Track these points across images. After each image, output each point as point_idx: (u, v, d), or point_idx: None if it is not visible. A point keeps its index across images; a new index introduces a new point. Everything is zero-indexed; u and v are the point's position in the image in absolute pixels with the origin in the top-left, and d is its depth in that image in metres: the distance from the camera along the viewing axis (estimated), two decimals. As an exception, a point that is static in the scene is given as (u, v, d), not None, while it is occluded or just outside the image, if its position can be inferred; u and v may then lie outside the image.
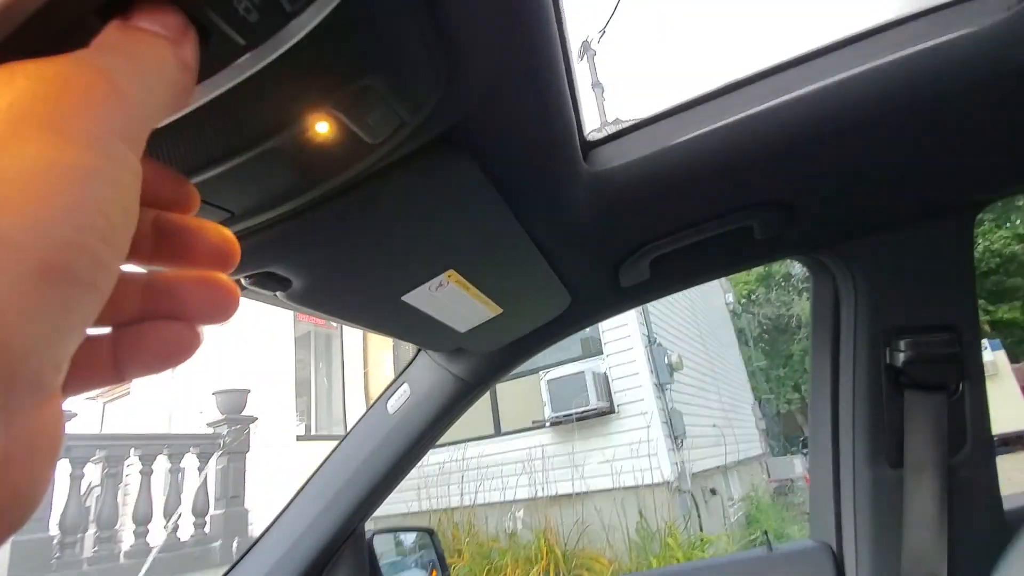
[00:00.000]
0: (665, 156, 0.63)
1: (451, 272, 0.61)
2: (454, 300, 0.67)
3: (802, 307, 18.11)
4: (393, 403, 0.99)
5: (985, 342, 6.88)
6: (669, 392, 5.86)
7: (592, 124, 6.29)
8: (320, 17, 0.26)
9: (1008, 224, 17.31)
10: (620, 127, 0.66)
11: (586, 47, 8.87)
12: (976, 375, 0.82)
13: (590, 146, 0.64)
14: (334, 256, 0.51)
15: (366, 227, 0.47)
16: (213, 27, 0.23)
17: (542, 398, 5.83)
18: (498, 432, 6.36)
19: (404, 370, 1.01)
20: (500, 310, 0.74)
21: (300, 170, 0.37)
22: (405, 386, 0.99)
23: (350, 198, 0.43)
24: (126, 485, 5.39)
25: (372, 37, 0.29)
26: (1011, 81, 0.55)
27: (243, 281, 0.50)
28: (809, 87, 0.57)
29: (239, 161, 0.33)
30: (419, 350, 0.98)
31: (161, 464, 4.93)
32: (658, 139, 0.64)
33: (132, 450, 4.82)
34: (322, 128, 0.33)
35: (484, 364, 0.95)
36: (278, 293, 0.53)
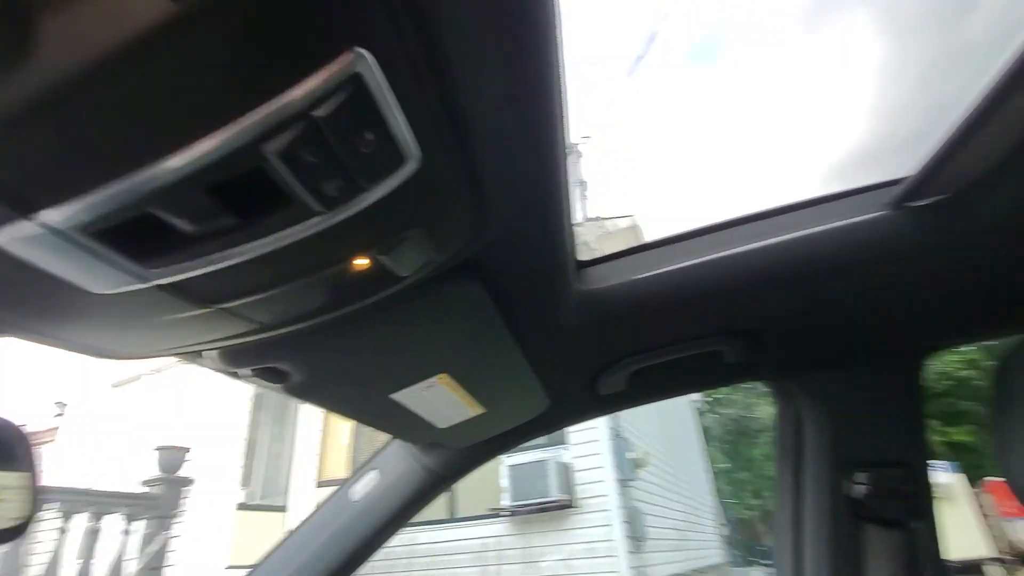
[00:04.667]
0: (649, 282, 0.70)
1: (443, 375, 0.63)
2: (440, 399, 0.69)
3: (764, 411, 18.25)
4: (359, 488, 0.97)
5: (946, 465, 6.95)
6: (632, 489, 5.72)
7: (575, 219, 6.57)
8: (387, 191, 0.31)
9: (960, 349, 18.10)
10: (610, 252, 0.74)
11: (571, 148, 9.41)
12: (927, 511, 0.85)
13: (582, 266, 0.70)
14: (337, 359, 0.53)
15: (375, 338, 0.51)
16: (295, 195, 0.28)
17: (501, 484, 5.63)
18: (453, 518, 6.05)
19: (374, 456, 1.00)
20: (483, 410, 0.76)
21: (332, 295, 0.40)
22: (374, 472, 0.98)
23: (364, 313, 0.46)
24: (37, 543, 4.87)
25: (424, 202, 0.34)
26: (897, 265, 0.68)
27: (244, 371, 0.52)
28: (771, 239, 0.67)
29: (281, 290, 0.36)
30: (392, 438, 0.98)
31: (80, 523, 4.50)
32: (644, 266, 0.71)
33: (51, 504, 4.40)
34: (361, 263, 0.37)
35: (457, 457, 0.95)
36: (276, 384, 0.54)
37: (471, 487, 5.98)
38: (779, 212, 0.71)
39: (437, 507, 6.05)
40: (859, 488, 0.84)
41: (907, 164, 0.64)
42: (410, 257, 0.38)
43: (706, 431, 15.17)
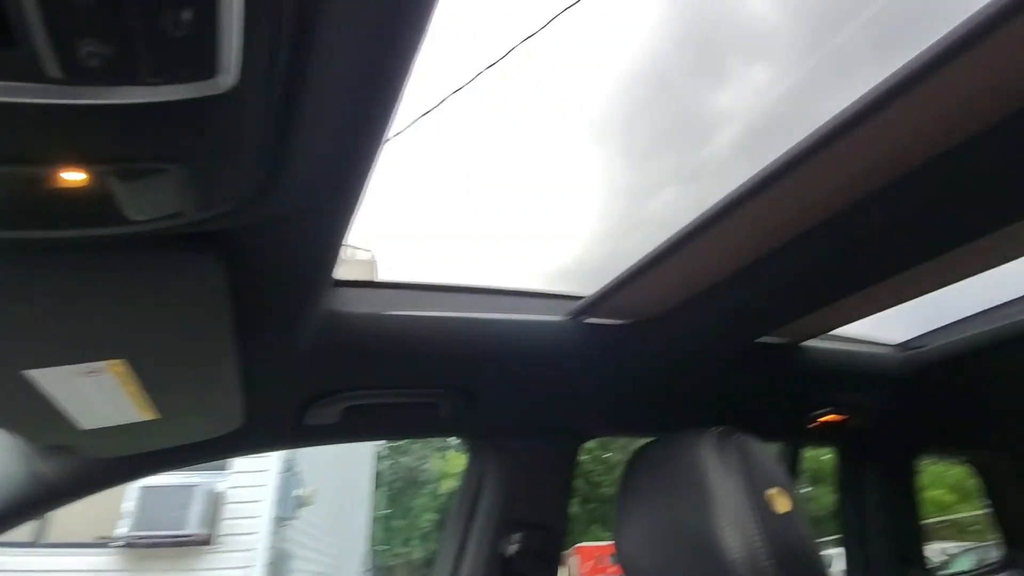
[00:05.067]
0: (397, 321, 0.71)
1: (118, 362, 0.49)
2: (100, 392, 0.53)
3: (434, 465, 19.44)
4: None
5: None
6: (287, 529, 5.29)
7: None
8: (170, 98, 0.23)
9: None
10: (373, 280, 0.74)
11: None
12: (555, 571, 1.01)
13: (339, 284, 0.67)
14: None
15: (45, 284, 0.37)
16: (25, 36, 0.19)
17: (123, 508, 4.53)
18: (38, 542, 4.53)
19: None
20: (155, 416, 0.62)
21: (12, 205, 0.28)
22: None
23: (45, 246, 0.34)
24: None
25: (212, 135, 0.27)
26: (570, 364, 0.85)
27: None
28: (489, 314, 0.78)
29: None
30: (-7, 430, 0.71)
31: None
32: (396, 304, 0.72)
33: None
34: (77, 179, 0.27)
35: (88, 469, 0.74)
36: None
37: (76, 505, 4.64)
38: (499, 292, 0.83)
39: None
40: (511, 547, 0.95)
41: (599, 283, 0.82)
42: (154, 199, 0.29)
43: (379, 475, 15.29)
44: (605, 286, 0.75)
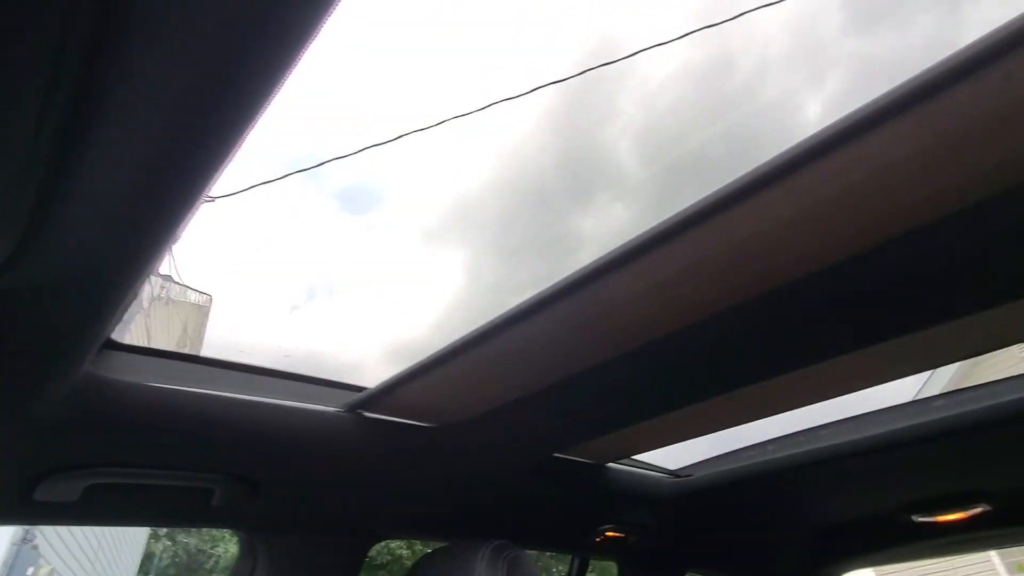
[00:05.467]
0: (171, 395, 0.65)
1: None
2: None
3: (228, 549, 16.73)
4: None
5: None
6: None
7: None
8: None
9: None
10: (150, 347, 0.71)
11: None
12: None
13: (109, 346, 0.63)
14: None
15: None
16: None
17: None
18: None
19: None
20: None
21: None
22: None
23: None
24: None
25: None
26: (350, 458, 0.83)
27: None
28: (270, 399, 0.75)
29: None
30: None
31: None
32: (174, 376, 0.67)
33: None
34: None
35: None
36: None
37: None
38: (289, 377, 0.80)
39: None
40: None
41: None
42: None
43: (149, 558, 12.69)
44: (386, 381, 0.74)
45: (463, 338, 0.65)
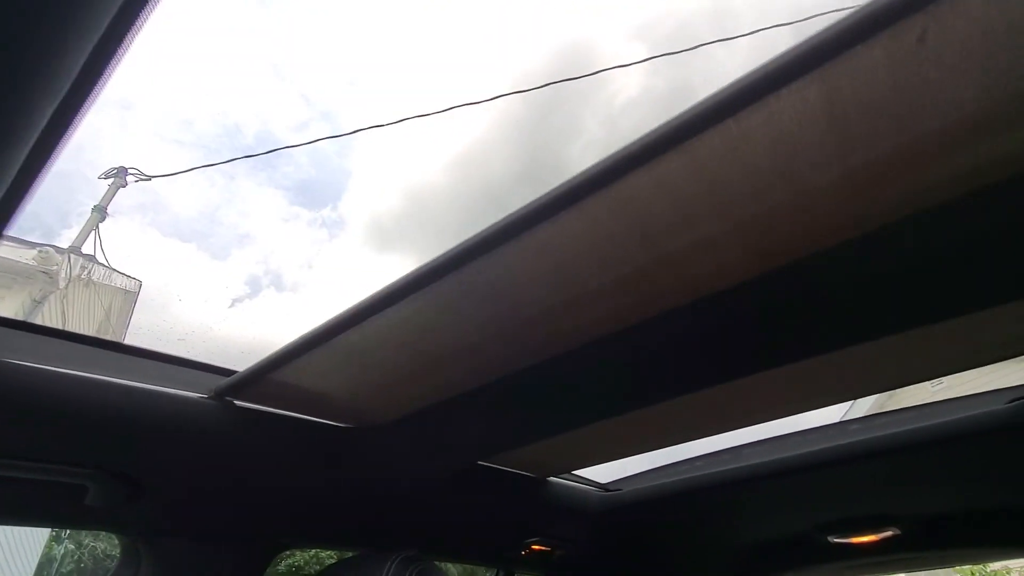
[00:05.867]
0: (19, 373, 0.58)
1: None
2: None
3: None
4: None
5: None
6: None
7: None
8: None
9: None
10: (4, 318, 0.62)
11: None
12: None
13: None
14: None
15: None
16: None
17: None
18: None
19: None
20: None
21: None
22: None
23: None
24: None
25: None
26: (224, 453, 0.76)
27: None
28: (134, 382, 0.66)
29: None
30: None
31: None
32: (57, 355, 0.61)
33: None
34: None
35: None
36: None
37: None
38: (147, 355, 0.71)
39: None
40: None
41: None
42: None
43: (49, 561, 11.70)
44: (258, 364, 0.66)
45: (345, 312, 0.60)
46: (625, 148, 0.43)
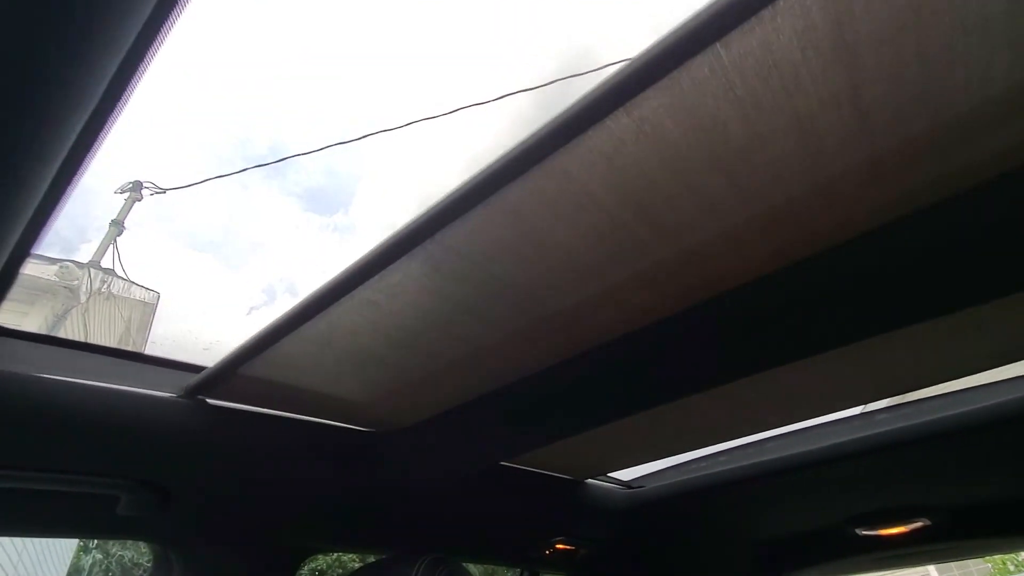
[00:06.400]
0: (45, 387, 0.58)
1: None
2: None
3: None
4: None
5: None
6: None
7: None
8: None
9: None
10: (27, 332, 0.63)
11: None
12: None
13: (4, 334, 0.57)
14: None
15: None
16: None
17: None
18: None
19: None
20: None
21: None
22: None
23: None
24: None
25: None
26: (203, 451, 0.73)
27: None
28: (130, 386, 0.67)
29: None
30: None
31: None
32: (60, 364, 0.61)
33: None
34: None
35: None
36: None
37: None
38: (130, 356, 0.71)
39: None
40: None
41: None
42: None
43: (78, 572, 11.88)
44: (219, 361, 0.64)
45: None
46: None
